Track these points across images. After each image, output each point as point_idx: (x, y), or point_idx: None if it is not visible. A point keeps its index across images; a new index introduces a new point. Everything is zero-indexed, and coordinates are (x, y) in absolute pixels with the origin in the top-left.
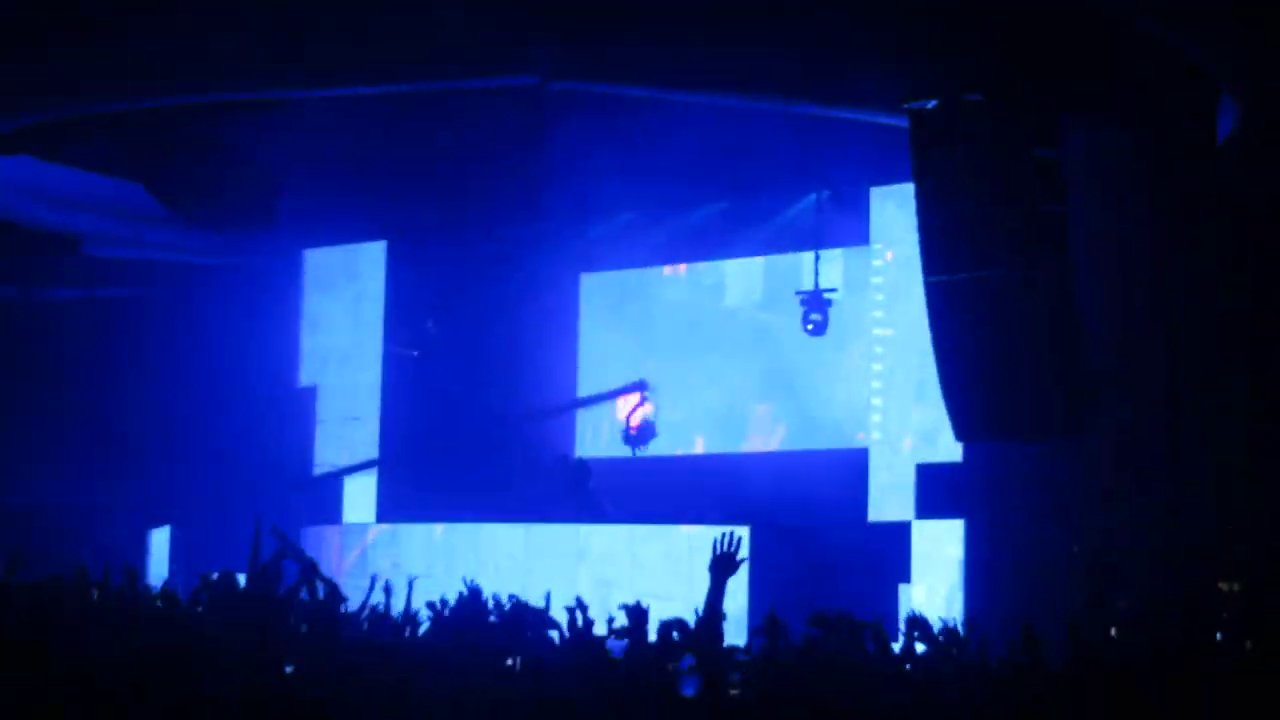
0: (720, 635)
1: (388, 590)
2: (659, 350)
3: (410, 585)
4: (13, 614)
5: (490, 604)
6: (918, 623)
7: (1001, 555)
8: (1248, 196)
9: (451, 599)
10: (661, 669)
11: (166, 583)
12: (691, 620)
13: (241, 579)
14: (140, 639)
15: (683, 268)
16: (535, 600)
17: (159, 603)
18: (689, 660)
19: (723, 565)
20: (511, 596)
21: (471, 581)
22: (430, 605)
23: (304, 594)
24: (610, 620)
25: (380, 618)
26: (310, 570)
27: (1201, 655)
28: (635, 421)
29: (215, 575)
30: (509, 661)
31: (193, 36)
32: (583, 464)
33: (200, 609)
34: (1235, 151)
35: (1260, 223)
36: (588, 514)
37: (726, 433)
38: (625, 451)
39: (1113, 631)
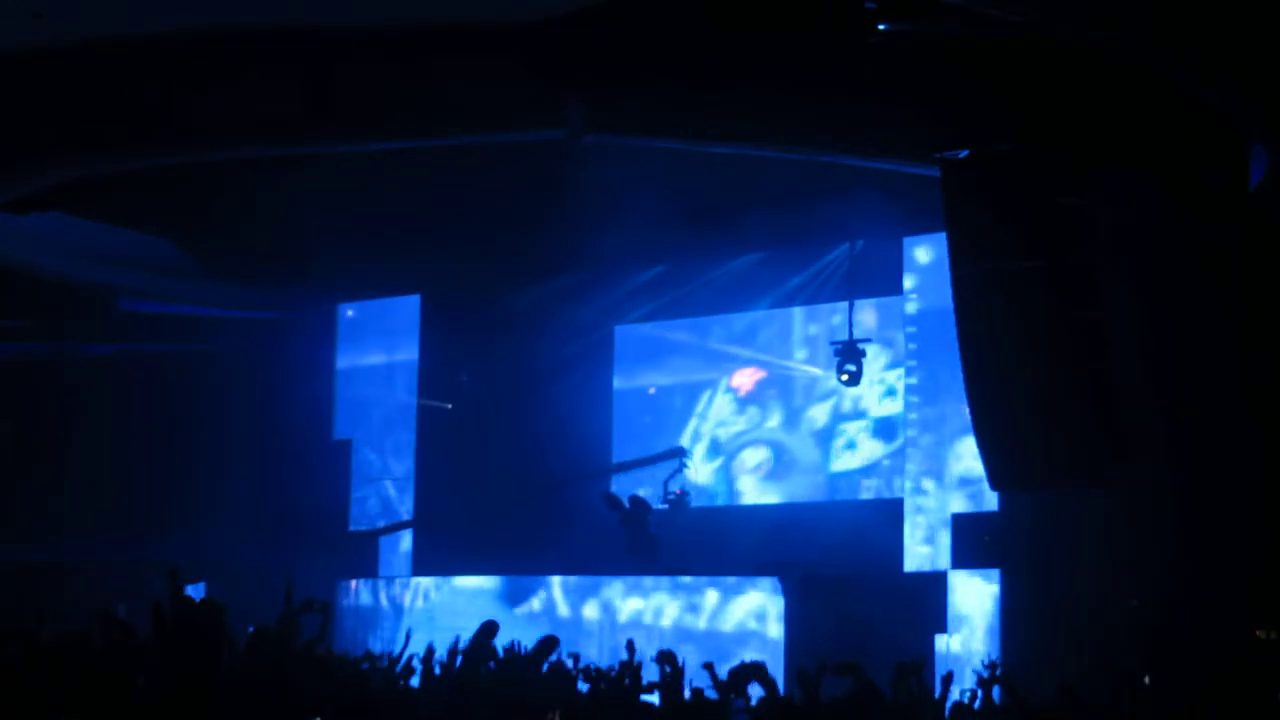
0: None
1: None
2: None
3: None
4: (39, 669)
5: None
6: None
7: (1038, 605)
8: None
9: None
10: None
11: None
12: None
13: None
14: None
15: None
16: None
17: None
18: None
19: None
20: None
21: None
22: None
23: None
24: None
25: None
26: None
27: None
28: (674, 487)
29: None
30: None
31: (225, 94)
32: (642, 501)
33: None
34: (1267, 199)
35: None
36: (644, 563)
37: (759, 482)
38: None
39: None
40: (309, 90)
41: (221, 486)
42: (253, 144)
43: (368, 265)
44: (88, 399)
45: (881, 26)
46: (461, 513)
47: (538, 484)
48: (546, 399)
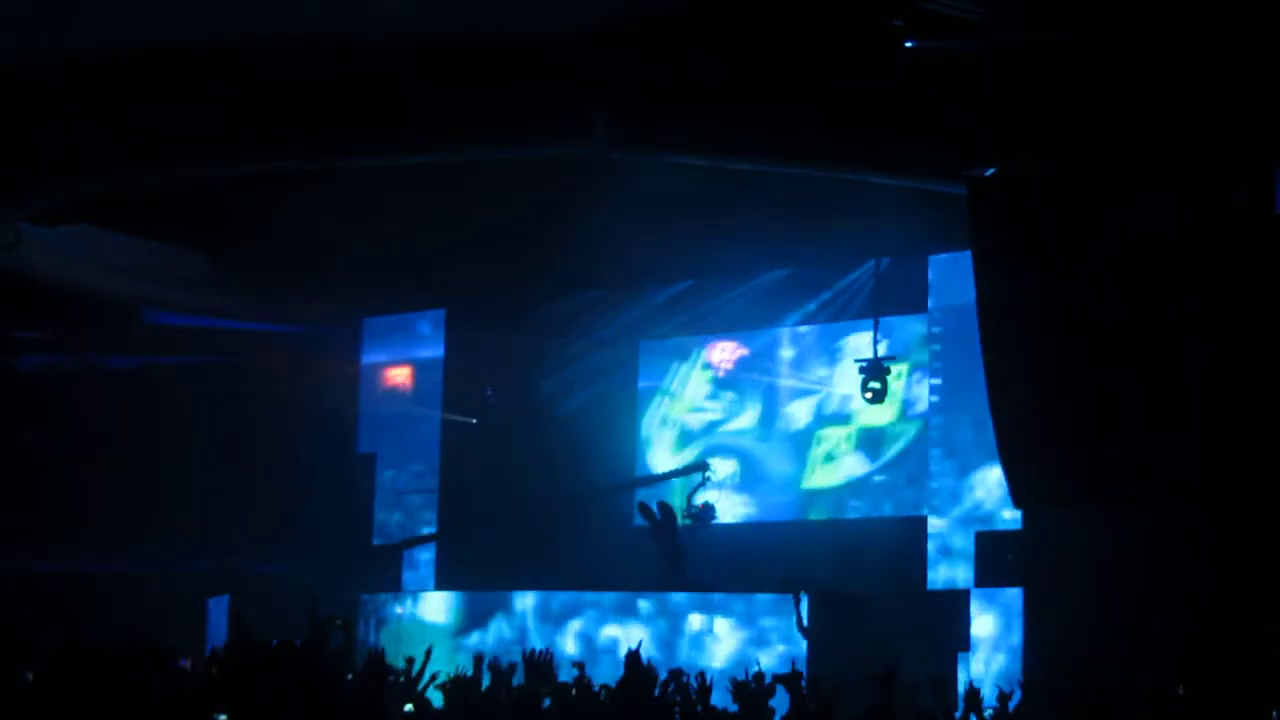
0: None
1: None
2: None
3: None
4: (67, 678)
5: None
6: (976, 695)
7: (1061, 624)
8: None
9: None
10: None
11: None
12: None
13: None
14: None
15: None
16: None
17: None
18: None
19: None
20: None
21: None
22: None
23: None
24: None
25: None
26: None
27: None
28: (698, 501)
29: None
30: None
31: (251, 107)
32: (669, 508)
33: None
34: None
35: None
36: (671, 578)
37: (783, 502)
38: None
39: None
40: (337, 105)
41: (244, 499)
42: (277, 157)
43: (393, 278)
44: (111, 411)
45: (908, 44)
46: (484, 527)
47: (561, 499)
48: (571, 414)
